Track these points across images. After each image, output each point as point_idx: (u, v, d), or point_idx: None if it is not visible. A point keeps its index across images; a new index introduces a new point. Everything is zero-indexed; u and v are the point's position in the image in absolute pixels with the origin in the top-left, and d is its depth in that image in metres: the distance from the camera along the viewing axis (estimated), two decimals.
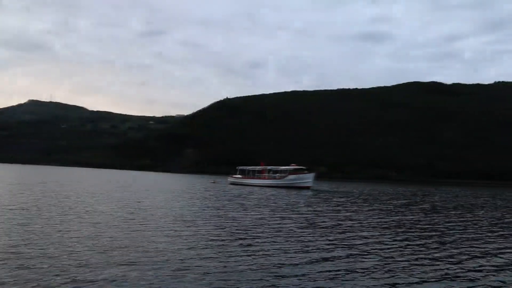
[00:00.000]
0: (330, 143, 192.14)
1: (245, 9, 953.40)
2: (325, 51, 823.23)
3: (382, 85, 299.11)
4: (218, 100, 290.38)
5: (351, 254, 14.81)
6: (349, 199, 47.52)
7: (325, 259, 13.87)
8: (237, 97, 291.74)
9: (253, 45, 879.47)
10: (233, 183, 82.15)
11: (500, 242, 18.73)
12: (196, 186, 65.63)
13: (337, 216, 27.99)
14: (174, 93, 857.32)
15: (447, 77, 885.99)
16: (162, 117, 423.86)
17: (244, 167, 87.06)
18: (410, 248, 16.45)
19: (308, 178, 71.25)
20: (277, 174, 77.51)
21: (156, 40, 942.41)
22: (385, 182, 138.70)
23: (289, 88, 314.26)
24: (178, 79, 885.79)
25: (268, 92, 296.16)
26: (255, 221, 23.26)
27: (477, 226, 24.79)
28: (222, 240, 16.64)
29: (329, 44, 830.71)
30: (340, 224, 23.30)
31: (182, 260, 13.01)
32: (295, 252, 14.78)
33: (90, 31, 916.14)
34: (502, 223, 27.19)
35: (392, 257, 14.51)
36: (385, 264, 13.52)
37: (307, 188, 68.94)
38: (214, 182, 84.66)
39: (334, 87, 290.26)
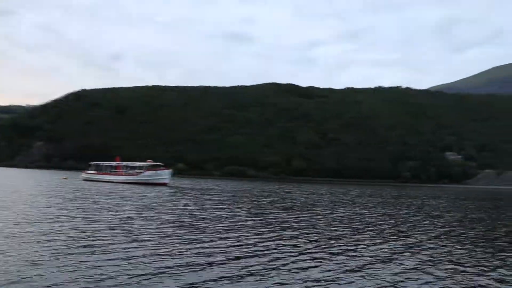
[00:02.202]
0: (190, 140, 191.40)
1: None
2: (191, 47, 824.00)
3: (243, 84, 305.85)
4: (74, 91, 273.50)
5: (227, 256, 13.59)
6: (213, 196, 47.05)
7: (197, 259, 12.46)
8: (96, 89, 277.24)
9: (116, 36, 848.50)
10: (86, 179, 77.90)
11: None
12: (44, 183, 60.47)
13: (203, 214, 26.88)
14: (26, 82, 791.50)
15: (305, 80, 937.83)
16: (7, 106, 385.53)
17: (98, 163, 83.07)
18: (283, 244, 15.95)
19: (165, 175, 70.00)
20: (134, 170, 75.23)
21: (4, 21, 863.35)
22: (244, 179, 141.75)
23: (151, 83, 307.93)
24: (31, 67, 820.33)
25: (129, 86, 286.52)
26: (115, 221, 21.36)
27: (336, 222, 25.46)
28: (67, 246, 14.63)
29: (195, 40, 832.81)
30: (208, 223, 22.24)
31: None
32: (151, 257, 13.26)
33: None
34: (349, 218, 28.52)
35: (261, 255, 13.60)
36: (248, 264, 12.85)
37: (164, 184, 67.61)
38: (65, 178, 79.21)
39: (197, 84, 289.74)
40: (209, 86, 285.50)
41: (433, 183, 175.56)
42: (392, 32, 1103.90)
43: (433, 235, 21.23)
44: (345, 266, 13.40)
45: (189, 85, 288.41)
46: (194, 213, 27.35)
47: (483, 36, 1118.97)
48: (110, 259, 12.68)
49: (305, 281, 11.47)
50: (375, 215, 31.53)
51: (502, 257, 15.96)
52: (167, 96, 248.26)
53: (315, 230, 21.11)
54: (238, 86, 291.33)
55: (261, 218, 25.86)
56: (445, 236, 20.94)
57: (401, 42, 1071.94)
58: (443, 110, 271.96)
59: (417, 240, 19.17)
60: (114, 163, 79.99)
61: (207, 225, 21.46)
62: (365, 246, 16.92)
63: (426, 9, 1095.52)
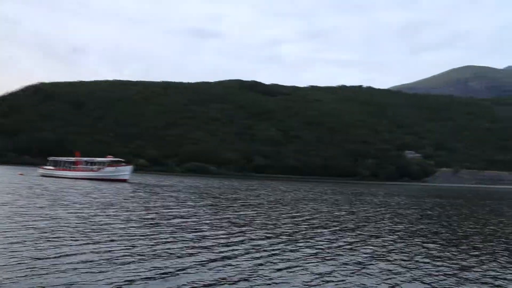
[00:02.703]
0: (152, 135, 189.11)
1: None
2: (154, 43, 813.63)
3: (207, 80, 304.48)
4: (32, 84, 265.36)
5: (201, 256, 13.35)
6: (177, 193, 46.69)
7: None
8: (54, 82, 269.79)
9: (77, 29, 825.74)
10: (44, 175, 75.87)
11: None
12: None
13: (169, 212, 26.59)
14: None
15: (269, 78, 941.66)
16: None
17: (57, 158, 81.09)
18: (253, 244, 15.61)
19: (125, 171, 69.19)
20: (93, 166, 73.93)
21: None
22: (206, 176, 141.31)
23: (112, 77, 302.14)
24: None
25: (89, 80, 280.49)
26: (76, 219, 20.93)
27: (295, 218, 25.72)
28: (24, 245, 14.10)
29: (159, 35, 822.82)
30: (173, 220, 22.16)
31: None
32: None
33: None
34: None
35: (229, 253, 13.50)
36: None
37: (124, 181, 66.79)
38: (22, 174, 76.97)
39: (160, 79, 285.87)
40: (171, 82, 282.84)
41: (392, 181, 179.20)
42: (355, 32, 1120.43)
43: (390, 230, 21.72)
44: (296, 262, 13.54)
45: (152, 80, 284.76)
46: (160, 210, 27.10)
47: (442, 39, 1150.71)
48: (68, 262, 12.23)
49: (263, 277, 11.53)
50: (339, 212, 31.95)
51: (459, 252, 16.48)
52: (128, 91, 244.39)
53: (279, 228, 21.23)
54: (201, 82, 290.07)
55: (225, 216, 25.83)
56: (398, 232, 21.42)
57: (363, 42, 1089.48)
58: (403, 109, 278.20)
59: (376, 236, 19.53)
60: (73, 159, 78.37)
61: (173, 223, 21.30)
62: (329, 242, 17.14)
63: (388, 12, 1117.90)
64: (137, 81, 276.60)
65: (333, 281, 11.69)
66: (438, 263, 14.56)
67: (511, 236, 22.87)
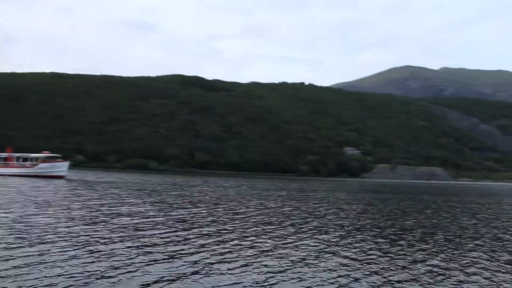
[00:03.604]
0: (91, 130, 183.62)
1: None
2: (92, 34, 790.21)
3: (146, 74, 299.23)
4: None
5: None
6: (118, 190, 45.45)
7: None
8: None
9: (7, 17, 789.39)
10: None
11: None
12: None
13: (110, 210, 25.83)
14: None
15: (211, 73, 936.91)
16: None
17: None
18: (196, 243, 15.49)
19: (62, 167, 66.84)
20: (27, 162, 70.83)
21: None
22: (148, 173, 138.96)
23: (48, 69, 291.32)
24: None
25: (23, 71, 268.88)
26: (9, 221, 19.72)
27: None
28: None
29: (97, 27, 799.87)
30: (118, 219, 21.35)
31: None
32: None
33: None
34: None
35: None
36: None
37: (61, 177, 64.48)
38: None
39: (98, 73, 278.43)
40: (111, 76, 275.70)
41: (332, 177, 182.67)
42: (295, 30, 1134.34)
43: (332, 225, 21.92)
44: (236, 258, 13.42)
45: (90, 73, 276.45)
46: (101, 208, 26.23)
47: (380, 39, 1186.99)
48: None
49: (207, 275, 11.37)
50: (284, 208, 31.97)
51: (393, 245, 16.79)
52: (65, 84, 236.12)
53: (225, 224, 21.01)
54: (142, 76, 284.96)
55: (170, 213, 25.37)
56: (344, 227, 21.68)
57: (304, 40, 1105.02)
58: (344, 107, 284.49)
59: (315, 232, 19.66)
60: (5, 154, 74.83)
61: (115, 221, 20.64)
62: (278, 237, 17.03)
63: (328, 10, 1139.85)
64: (75, 74, 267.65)
65: (288, 277, 11.75)
66: (386, 257, 14.96)
67: (449, 228, 23.60)
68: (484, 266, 14.30)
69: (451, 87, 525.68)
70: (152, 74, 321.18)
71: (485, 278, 12.68)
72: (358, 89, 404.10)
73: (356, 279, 12.00)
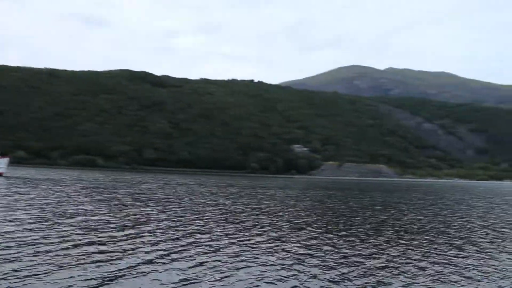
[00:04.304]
0: (35, 126, 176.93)
1: None
2: (38, 27, 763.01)
3: (96, 69, 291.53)
4: None
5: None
6: (61, 187, 43.66)
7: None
8: None
9: None
10: None
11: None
12: None
13: (56, 209, 24.57)
14: None
15: (161, 69, 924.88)
16: None
17: None
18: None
19: (1, 164, 63.65)
20: None
21: None
22: (95, 169, 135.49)
23: None
24: None
25: None
26: None
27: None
28: None
29: (44, 19, 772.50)
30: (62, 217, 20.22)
31: None
32: None
33: None
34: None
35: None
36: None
37: (0, 174, 61.52)
38: None
39: (43, 66, 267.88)
40: (57, 69, 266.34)
41: (281, 174, 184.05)
42: (247, 28, 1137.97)
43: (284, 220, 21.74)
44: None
45: (35, 67, 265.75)
46: (45, 207, 24.93)
47: (331, 39, 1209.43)
48: None
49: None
50: (237, 206, 31.54)
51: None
52: (8, 77, 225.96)
53: (177, 222, 20.37)
54: (89, 71, 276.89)
55: (120, 212, 24.43)
56: (296, 224, 21.50)
57: (256, 38, 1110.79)
58: (293, 105, 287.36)
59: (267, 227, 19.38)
60: None
61: (60, 222, 19.60)
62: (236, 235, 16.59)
63: (281, 10, 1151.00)
64: (19, 67, 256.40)
65: (242, 274, 11.41)
66: (340, 253, 14.96)
67: (397, 223, 23.85)
68: (433, 260, 14.63)
69: (397, 87, 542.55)
70: (100, 68, 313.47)
71: (435, 271, 12.96)
72: (307, 87, 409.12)
73: (310, 275, 11.89)
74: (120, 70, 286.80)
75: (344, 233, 20.20)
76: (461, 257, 15.23)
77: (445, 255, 15.58)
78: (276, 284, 11.04)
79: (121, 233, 17.12)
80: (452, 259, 14.95)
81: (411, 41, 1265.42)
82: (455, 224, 26.03)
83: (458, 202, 48.68)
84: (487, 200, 55.79)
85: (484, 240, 19.53)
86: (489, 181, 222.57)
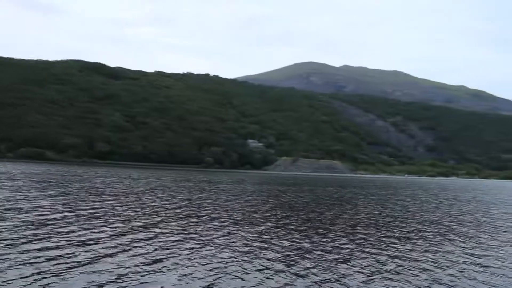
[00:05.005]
0: None
1: None
2: None
3: (45, 58, 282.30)
4: None
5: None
6: (10, 182, 42.14)
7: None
8: None
9: None
10: None
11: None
12: None
13: (5, 205, 23.70)
14: None
15: (115, 60, 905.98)
16: None
17: None
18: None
19: None
20: None
21: None
22: (44, 163, 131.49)
23: None
24: None
25: None
26: None
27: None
28: None
29: None
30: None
31: None
32: None
33: None
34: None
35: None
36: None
37: None
38: None
39: None
40: (2, 57, 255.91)
41: (235, 168, 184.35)
42: (204, 22, 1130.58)
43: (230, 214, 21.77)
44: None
45: None
46: None
47: (286, 35, 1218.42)
48: None
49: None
50: (195, 201, 31.31)
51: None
52: None
53: (139, 218, 20.00)
54: (38, 60, 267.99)
55: (78, 208, 23.77)
56: (255, 219, 21.54)
57: (212, 32, 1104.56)
58: (248, 99, 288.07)
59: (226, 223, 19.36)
60: None
61: (13, 218, 18.85)
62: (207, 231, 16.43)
63: (238, 4, 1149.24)
64: None
65: (204, 270, 11.25)
66: (301, 249, 14.86)
67: (353, 217, 24.27)
68: (390, 253, 14.93)
69: (351, 84, 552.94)
70: (50, 58, 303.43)
71: (394, 264, 13.20)
72: (262, 82, 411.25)
73: (271, 269, 11.87)
74: (73, 60, 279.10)
75: (303, 227, 20.35)
76: (417, 251, 15.57)
77: (401, 248, 15.93)
78: (236, 280, 10.94)
79: (75, 228, 16.68)
80: (408, 252, 15.29)
81: (365, 40, 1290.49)
82: (409, 218, 26.74)
83: (411, 197, 50.21)
84: (436, 195, 57.65)
85: (437, 234, 20.14)
86: (437, 177, 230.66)
